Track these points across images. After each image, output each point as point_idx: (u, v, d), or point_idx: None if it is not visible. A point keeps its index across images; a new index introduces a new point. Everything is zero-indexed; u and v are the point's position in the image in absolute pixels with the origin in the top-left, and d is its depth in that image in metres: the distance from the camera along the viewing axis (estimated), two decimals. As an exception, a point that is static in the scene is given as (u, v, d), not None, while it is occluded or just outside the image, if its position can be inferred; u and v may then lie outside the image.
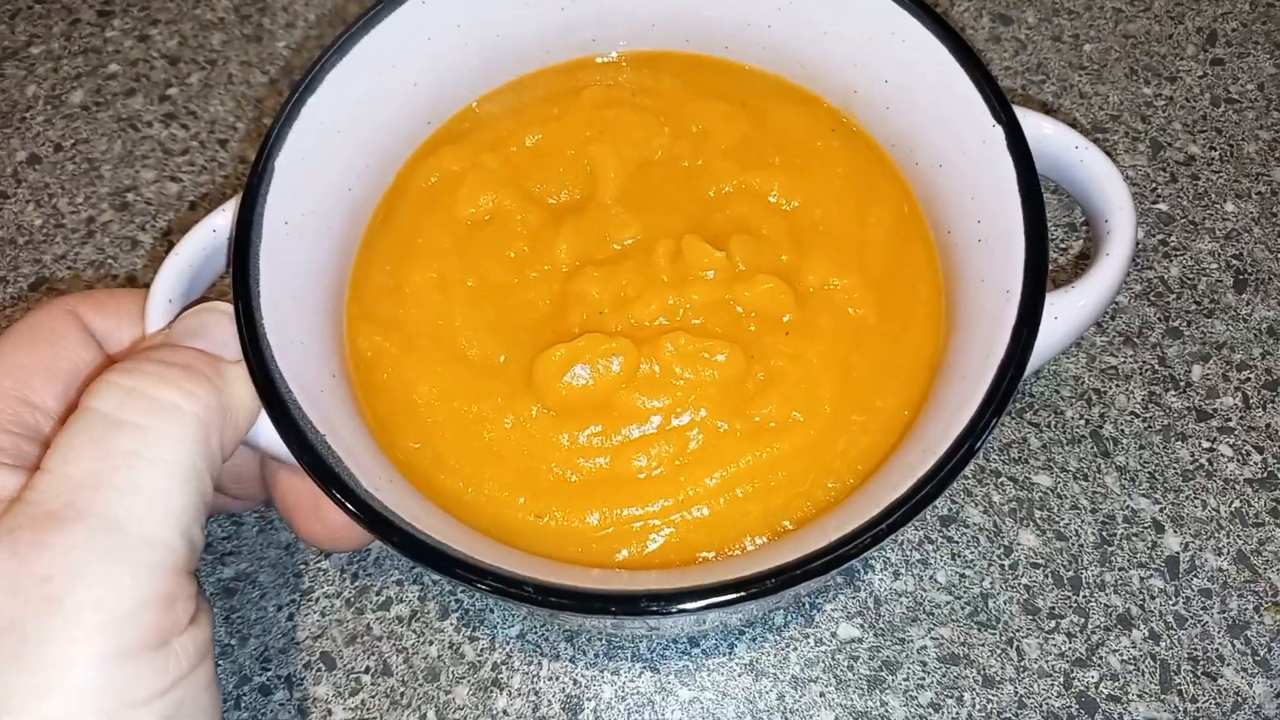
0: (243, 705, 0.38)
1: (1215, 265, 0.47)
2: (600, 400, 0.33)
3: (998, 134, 0.32)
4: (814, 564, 0.26)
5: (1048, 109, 0.52)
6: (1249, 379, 0.44)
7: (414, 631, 0.39)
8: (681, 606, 0.26)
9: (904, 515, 0.26)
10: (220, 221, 0.33)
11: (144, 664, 0.25)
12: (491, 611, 0.39)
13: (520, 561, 0.29)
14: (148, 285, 0.47)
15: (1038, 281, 0.29)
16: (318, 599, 0.40)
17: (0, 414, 0.28)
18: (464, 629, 0.39)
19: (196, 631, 0.27)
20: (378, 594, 0.40)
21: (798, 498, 0.32)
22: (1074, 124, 0.51)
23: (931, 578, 0.40)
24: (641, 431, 0.33)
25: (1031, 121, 0.33)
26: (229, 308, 0.30)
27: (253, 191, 0.32)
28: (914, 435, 0.31)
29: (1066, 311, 0.30)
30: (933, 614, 0.39)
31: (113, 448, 0.26)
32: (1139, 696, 0.38)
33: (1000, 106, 0.32)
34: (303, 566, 0.41)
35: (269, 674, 0.38)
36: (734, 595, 0.26)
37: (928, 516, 0.41)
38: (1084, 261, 0.46)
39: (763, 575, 0.26)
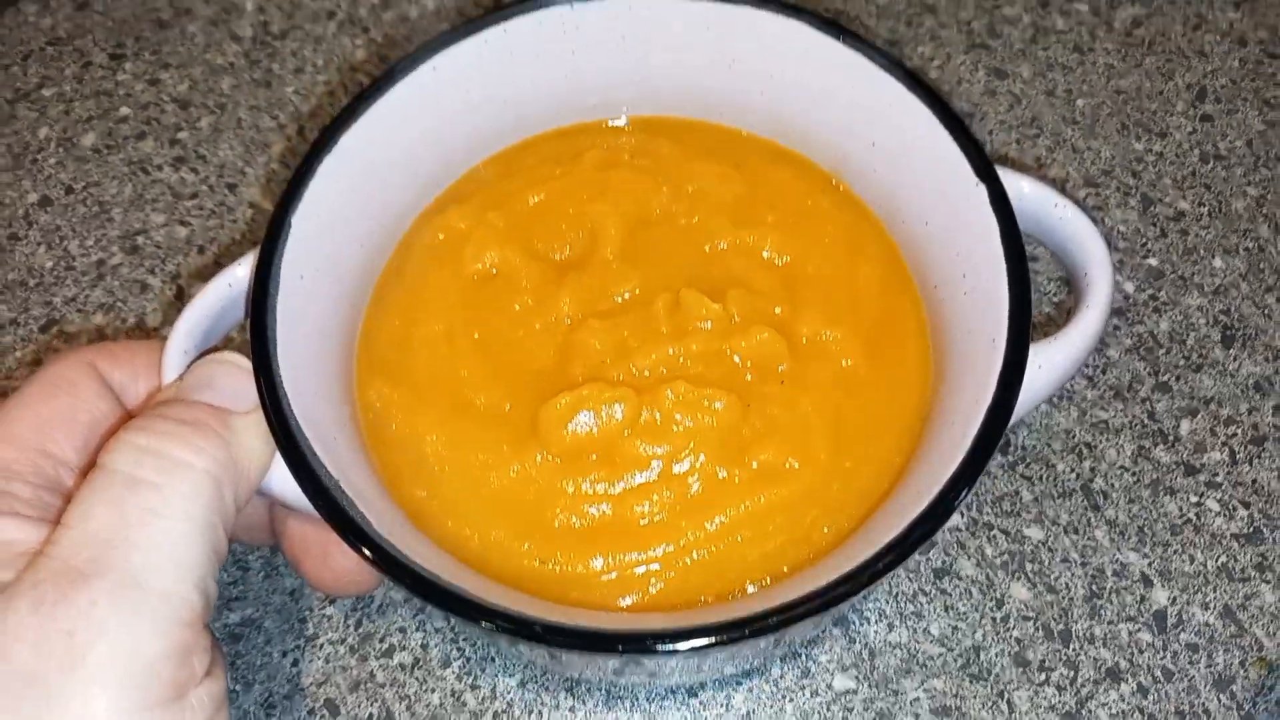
0: (246, 753, 0.38)
1: (1204, 320, 0.48)
2: (603, 447, 0.34)
3: (980, 192, 0.33)
4: (815, 602, 0.26)
5: (1040, 163, 0.53)
6: (1235, 434, 0.45)
7: (416, 679, 0.39)
8: (690, 644, 0.26)
9: (900, 554, 0.27)
10: (237, 275, 0.34)
11: (162, 717, 0.26)
12: (493, 660, 0.40)
13: (527, 605, 0.29)
14: (157, 330, 0.48)
15: (1022, 332, 0.30)
16: (322, 645, 0.40)
17: (22, 466, 0.29)
18: (466, 677, 0.39)
19: (212, 684, 0.28)
20: (381, 641, 0.40)
21: (795, 541, 0.32)
22: (1067, 178, 0.52)
23: (925, 630, 0.40)
24: (643, 478, 0.33)
25: (1012, 180, 0.34)
26: (237, 358, 0.31)
27: (271, 247, 0.32)
28: (907, 480, 0.32)
29: (1049, 361, 0.32)
30: (926, 666, 0.39)
31: (130, 505, 0.27)
32: (1128, 747, 0.38)
33: (983, 166, 0.34)
34: (307, 612, 0.41)
35: (273, 721, 0.39)
36: (738, 633, 0.26)
37: (921, 568, 0.42)
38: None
39: (767, 613, 0.26)
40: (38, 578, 0.26)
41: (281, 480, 0.30)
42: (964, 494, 0.28)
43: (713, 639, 0.27)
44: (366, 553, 0.28)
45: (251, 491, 0.30)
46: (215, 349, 0.33)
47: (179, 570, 0.27)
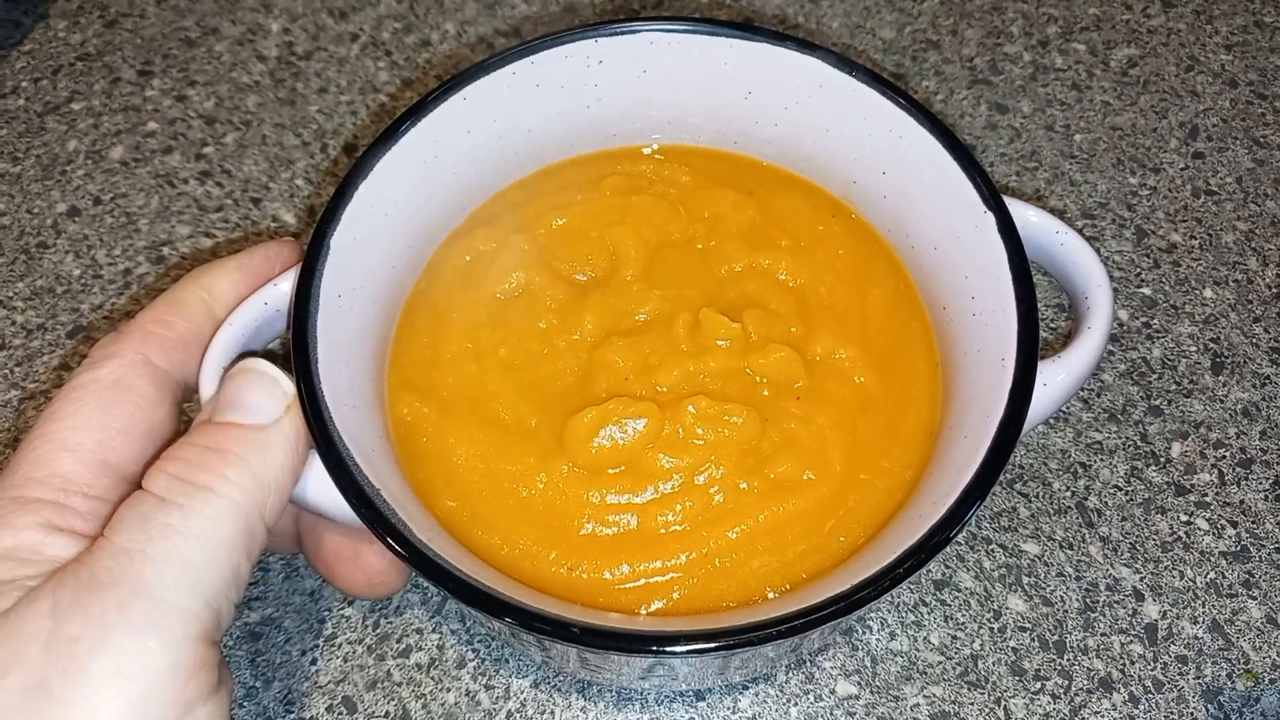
0: (268, 750, 0.39)
1: (1194, 348, 0.49)
2: (627, 460, 0.35)
3: (989, 220, 0.35)
4: (840, 605, 0.28)
5: (1040, 195, 0.54)
6: (1224, 457, 0.46)
7: (432, 679, 0.40)
8: (718, 644, 0.28)
9: (920, 560, 0.28)
10: (273, 293, 0.34)
11: None
12: (507, 662, 0.41)
13: (560, 609, 0.30)
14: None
15: (1030, 351, 0.32)
16: (340, 644, 0.41)
17: (81, 478, 0.30)
18: (480, 678, 0.40)
19: (219, 700, 0.28)
20: (398, 641, 0.41)
21: (814, 550, 0.34)
22: (1065, 210, 0.54)
23: (925, 639, 0.41)
24: (666, 489, 0.35)
25: (1018, 209, 0.36)
26: (263, 366, 0.32)
27: (311, 267, 0.33)
28: (921, 491, 0.33)
29: (1054, 379, 0.33)
30: (926, 673, 0.41)
31: (153, 522, 0.27)
32: (1120, 755, 0.39)
33: (991, 194, 0.35)
34: (326, 613, 0.42)
35: (292, 716, 0.40)
36: (766, 634, 0.28)
37: (922, 580, 0.43)
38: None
39: (793, 615, 0.28)
40: (61, 582, 0.26)
41: (321, 491, 0.31)
42: (977, 504, 0.29)
43: (739, 639, 0.28)
44: (410, 558, 0.29)
45: (284, 503, 0.30)
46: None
47: (191, 586, 0.27)
